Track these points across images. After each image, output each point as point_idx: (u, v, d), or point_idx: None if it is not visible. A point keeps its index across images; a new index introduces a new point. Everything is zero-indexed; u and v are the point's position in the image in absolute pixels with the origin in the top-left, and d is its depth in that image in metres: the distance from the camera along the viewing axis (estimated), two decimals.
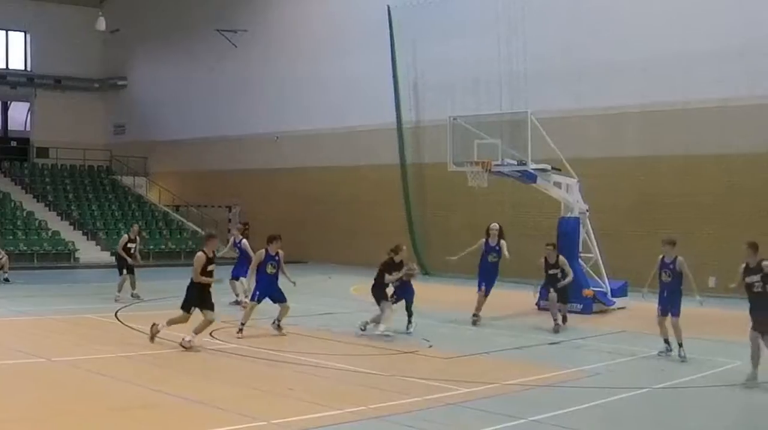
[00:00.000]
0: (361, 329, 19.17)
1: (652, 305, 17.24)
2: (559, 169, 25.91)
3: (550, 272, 20.84)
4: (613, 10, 32.32)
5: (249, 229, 44.70)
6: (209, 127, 48.61)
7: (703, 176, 30.11)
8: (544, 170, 25.34)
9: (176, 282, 32.52)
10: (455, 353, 17.68)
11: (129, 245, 26.18)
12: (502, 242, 21.46)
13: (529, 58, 33.46)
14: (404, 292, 19.69)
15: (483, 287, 21.43)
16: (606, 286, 25.15)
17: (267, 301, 19.01)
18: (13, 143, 55.72)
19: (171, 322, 17.46)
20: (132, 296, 25.64)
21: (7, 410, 11.89)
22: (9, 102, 56.87)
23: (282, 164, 45.02)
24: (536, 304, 23.80)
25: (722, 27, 29.35)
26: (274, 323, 19.00)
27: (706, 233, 29.28)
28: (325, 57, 42.83)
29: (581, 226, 25.22)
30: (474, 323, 21.14)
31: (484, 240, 21.62)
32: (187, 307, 17.45)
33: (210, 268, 17.45)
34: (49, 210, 46.87)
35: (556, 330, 20.09)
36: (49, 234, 43.31)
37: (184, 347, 16.72)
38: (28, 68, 54.93)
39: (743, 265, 14.81)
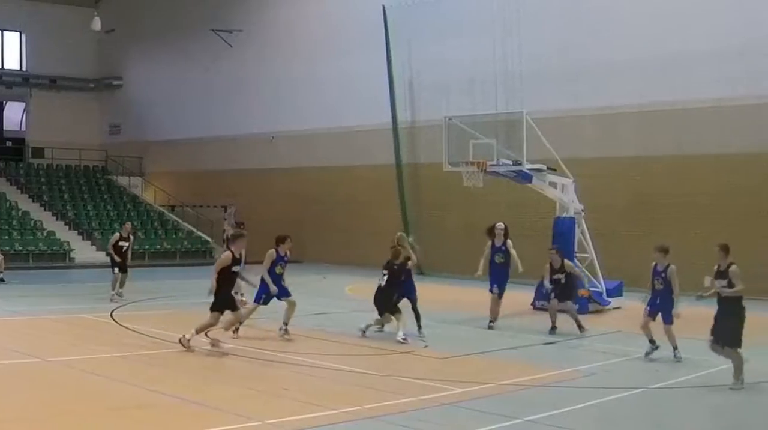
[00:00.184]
0: (362, 332, 19.08)
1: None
2: (555, 170, 25.93)
3: (555, 277, 20.11)
4: (609, 10, 32.33)
5: (245, 229, 44.85)
6: (205, 127, 48.57)
7: (699, 176, 30.12)
8: (539, 170, 25.35)
9: (171, 282, 32.86)
10: (450, 353, 17.68)
11: (121, 244, 26.04)
12: (508, 241, 21.10)
13: (525, 58, 33.48)
14: (407, 290, 19.60)
15: (495, 289, 20.97)
16: (601, 286, 25.17)
17: (271, 301, 18.91)
18: (9, 143, 55.66)
19: (201, 328, 17.13)
20: (117, 294, 25.49)
21: (2, 411, 11.88)
22: (4, 102, 56.82)
23: (277, 164, 44.99)
24: (531, 304, 23.81)
25: (718, 27, 29.37)
26: (281, 329, 18.68)
27: (701, 233, 29.25)
28: (320, 57, 42.82)
29: (577, 226, 25.23)
30: (490, 328, 20.79)
31: (490, 241, 21.24)
32: (218, 308, 17.04)
33: (235, 268, 17.13)
34: (45, 210, 46.83)
35: (552, 331, 20.00)
36: (45, 234, 43.28)
37: (214, 346, 16.48)
38: (24, 68, 54.87)
39: (715, 268, 14.80)
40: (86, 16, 49.49)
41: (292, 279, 19.50)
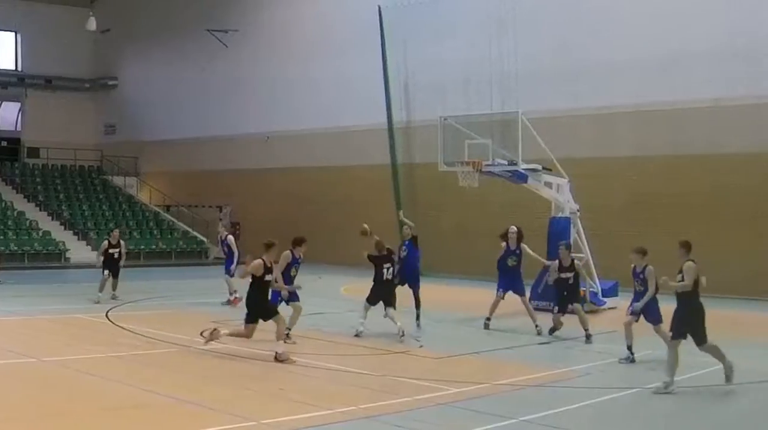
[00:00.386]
0: (359, 328, 19.15)
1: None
2: (550, 169, 25.94)
3: (563, 275, 19.27)
4: (605, 10, 32.34)
5: (240, 229, 44.89)
6: (200, 127, 48.55)
7: (694, 176, 30.13)
8: (534, 170, 25.37)
9: (166, 282, 32.84)
10: (446, 353, 17.69)
11: (111, 251, 26.00)
12: (523, 245, 20.96)
13: (520, 58, 33.48)
14: (408, 275, 19.65)
15: (500, 292, 20.80)
16: (597, 286, 25.18)
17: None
18: (4, 143, 55.60)
19: (234, 334, 16.97)
20: (111, 297, 25.46)
21: None
22: (0, 102, 56.75)
23: (273, 164, 44.98)
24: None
25: (715, 28, 29.41)
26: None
27: (697, 232, 29.19)
28: (316, 57, 42.83)
29: (572, 226, 25.22)
30: (485, 326, 20.70)
31: (504, 244, 21.03)
32: (272, 312, 16.71)
33: (267, 277, 16.60)
34: (40, 210, 46.80)
35: (544, 331, 19.86)
36: (40, 234, 43.24)
37: (280, 360, 15.92)
38: (19, 68, 54.82)
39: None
40: (81, 16, 49.53)
41: None
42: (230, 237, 25.62)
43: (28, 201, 47.62)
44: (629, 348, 16.60)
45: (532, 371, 15.82)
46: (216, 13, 47.49)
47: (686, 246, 14.61)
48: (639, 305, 16.26)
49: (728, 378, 14.29)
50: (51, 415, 11.93)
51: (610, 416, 12.89)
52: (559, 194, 25.78)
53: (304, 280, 19.02)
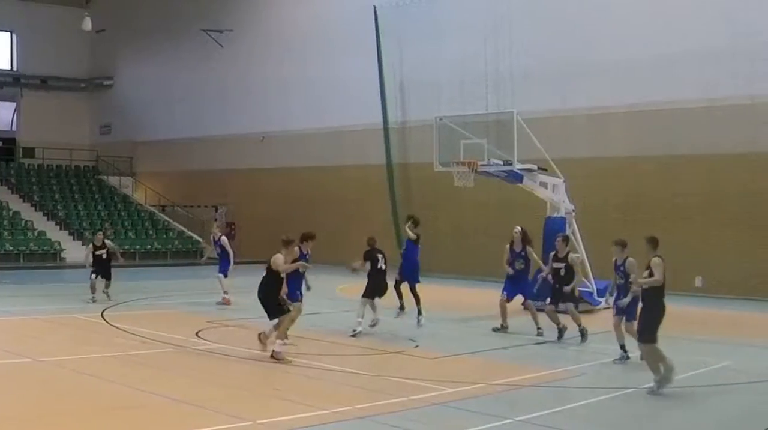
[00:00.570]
0: (353, 335, 19.14)
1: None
2: (546, 169, 25.95)
3: (555, 265, 19.20)
4: (600, 10, 32.36)
5: (235, 229, 44.90)
6: (195, 127, 48.54)
7: (689, 176, 30.18)
8: (530, 170, 25.38)
9: (162, 282, 32.82)
10: (441, 353, 17.70)
11: (97, 253, 25.92)
12: (529, 248, 20.48)
13: (516, 58, 33.53)
14: (407, 272, 19.71)
15: (504, 295, 20.50)
16: (592, 286, 25.20)
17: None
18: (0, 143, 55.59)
19: (279, 335, 16.57)
20: (103, 292, 25.39)
21: None
22: None
23: (268, 164, 44.96)
24: (522, 304, 23.80)
25: (708, 28, 29.44)
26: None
27: (692, 232, 29.36)
28: (311, 57, 42.83)
29: (567, 226, 25.24)
30: (499, 330, 20.36)
31: (508, 246, 20.66)
32: (279, 312, 16.52)
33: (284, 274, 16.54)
34: (36, 210, 46.77)
35: (540, 334, 19.79)
36: (35, 234, 43.22)
37: (276, 358, 15.86)
38: (14, 68, 54.75)
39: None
40: (77, 16, 49.41)
41: None
42: (224, 238, 25.60)
43: (24, 201, 47.59)
44: (622, 347, 16.54)
45: (527, 371, 15.84)
46: (211, 13, 47.46)
47: (653, 242, 14.44)
48: (624, 301, 16.09)
49: (658, 387, 13.89)
50: (46, 415, 11.92)
51: (606, 416, 12.89)
52: (554, 194, 25.80)
53: None
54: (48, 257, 41.69)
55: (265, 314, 16.45)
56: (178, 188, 50.69)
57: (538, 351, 18.42)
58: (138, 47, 52.96)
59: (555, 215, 25.58)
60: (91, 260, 25.85)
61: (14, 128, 56.18)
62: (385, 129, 39.11)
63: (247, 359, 16.31)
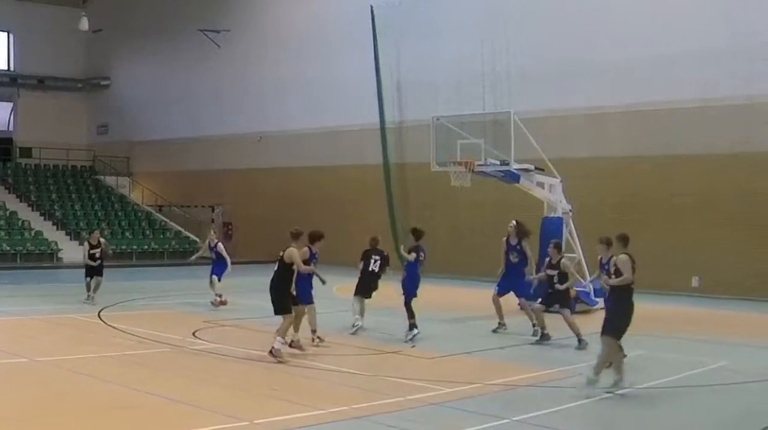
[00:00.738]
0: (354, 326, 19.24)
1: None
2: (543, 170, 25.97)
3: (548, 272, 19.00)
4: (598, 10, 32.41)
5: (232, 229, 44.90)
6: (192, 127, 48.56)
7: (686, 176, 30.22)
8: (527, 170, 25.40)
9: (159, 282, 32.78)
10: (438, 353, 17.69)
11: (92, 252, 25.82)
12: (524, 242, 20.39)
13: (513, 58, 33.56)
14: (409, 287, 19.59)
15: (496, 289, 20.50)
16: (589, 286, 25.18)
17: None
18: None
19: (287, 333, 16.54)
20: (88, 297, 25.21)
21: None
22: None
23: (265, 164, 44.99)
24: (519, 304, 23.80)
25: (706, 28, 29.49)
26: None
27: (689, 232, 29.39)
28: (308, 57, 42.85)
29: (564, 226, 25.25)
30: (497, 330, 20.35)
31: (505, 239, 20.65)
32: (287, 308, 16.49)
33: (294, 267, 16.49)
34: (32, 210, 46.78)
35: (536, 334, 19.68)
36: (32, 234, 43.21)
37: (274, 355, 15.80)
38: (11, 68, 54.78)
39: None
40: (74, 16, 49.48)
41: None
42: (220, 245, 25.08)
43: (21, 201, 47.61)
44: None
45: (524, 371, 15.84)
46: (208, 13, 47.47)
47: (623, 239, 14.37)
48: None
49: (589, 383, 13.78)
50: (43, 415, 11.91)
51: (602, 417, 12.91)
52: (551, 194, 25.81)
53: None
54: (45, 257, 41.68)
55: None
56: (175, 188, 50.68)
57: (534, 351, 18.40)
58: (135, 47, 52.98)
59: (552, 215, 25.59)
60: (88, 260, 25.84)
61: (11, 128, 56.22)
62: (382, 129, 39.14)
63: (244, 359, 16.30)
